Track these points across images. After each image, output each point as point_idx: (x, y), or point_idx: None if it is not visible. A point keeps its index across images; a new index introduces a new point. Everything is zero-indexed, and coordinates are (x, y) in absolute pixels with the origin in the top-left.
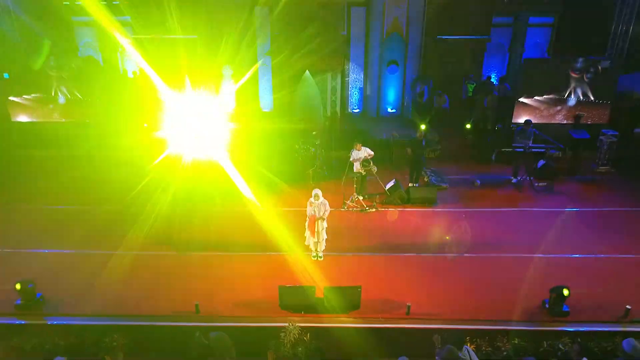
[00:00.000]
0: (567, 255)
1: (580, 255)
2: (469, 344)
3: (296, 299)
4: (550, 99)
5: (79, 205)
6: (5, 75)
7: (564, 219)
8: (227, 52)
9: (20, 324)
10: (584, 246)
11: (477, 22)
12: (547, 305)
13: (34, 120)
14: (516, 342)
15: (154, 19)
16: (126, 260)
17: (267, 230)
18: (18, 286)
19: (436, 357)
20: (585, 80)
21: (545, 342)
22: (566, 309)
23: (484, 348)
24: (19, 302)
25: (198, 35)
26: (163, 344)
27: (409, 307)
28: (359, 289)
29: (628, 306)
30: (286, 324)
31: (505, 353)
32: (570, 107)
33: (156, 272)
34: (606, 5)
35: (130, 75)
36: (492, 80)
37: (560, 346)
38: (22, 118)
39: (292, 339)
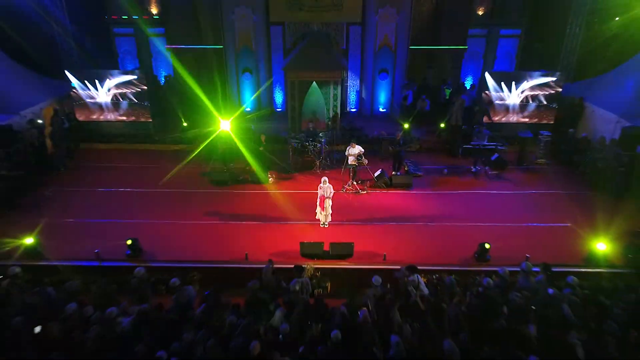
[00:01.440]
0: (502, 224)
1: (511, 224)
2: (422, 276)
3: (311, 250)
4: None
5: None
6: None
7: (506, 198)
8: (249, 62)
9: (129, 266)
10: (515, 217)
11: (455, 34)
12: (475, 255)
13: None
14: (453, 276)
15: (185, 31)
16: (196, 226)
17: (289, 206)
18: (129, 242)
19: (395, 275)
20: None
21: (469, 278)
22: (488, 258)
23: (434, 279)
24: (128, 252)
25: (224, 46)
26: (225, 279)
27: (384, 255)
28: (352, 245)
29: (527, 255)
30: (305, 265)
31: (446, 281)
32: (517, 110)
33: (218, 234)
34: (561, 23)
35: (161, 80)
36: (467, 85)
37: (477, 278)
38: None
39: (309, 274)
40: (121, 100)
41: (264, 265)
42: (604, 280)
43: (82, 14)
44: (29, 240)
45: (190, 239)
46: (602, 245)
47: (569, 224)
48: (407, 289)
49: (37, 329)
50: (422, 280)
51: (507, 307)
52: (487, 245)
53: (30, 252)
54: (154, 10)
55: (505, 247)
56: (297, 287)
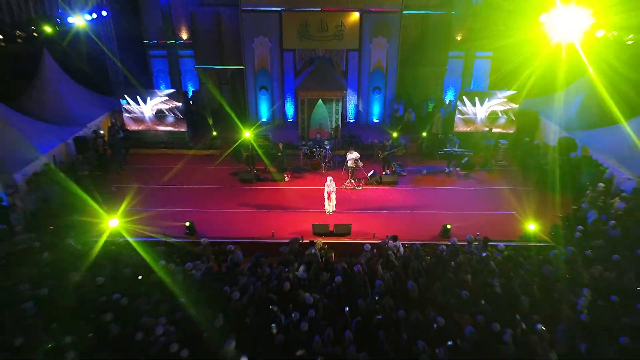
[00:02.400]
0: (465, 212)
1: (471, 212)
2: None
3: (320, 230)
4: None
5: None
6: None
7: (471, 193)
8: (265, 81)
9: (188, 241)
10: (475, 207)
11: (437, 56)
12: (440, 233)
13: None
14: (421, 248)
15: (211, 53)
16: (232, 213)
17: (302, 198)
18: (187, 223)
19: (379, 243)
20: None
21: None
22: (449, 235)
23: (407, 247)
24: (187, 231)
25: (244, 67)
26: (257, 250)
27: (374, 234)
28: (350, 226)
29: (478, 233)
30: (316, 241)
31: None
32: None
33: (249, 218)
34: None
35: (189, 94)
36: (447, 100)
37: (439, 248)
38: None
39: (319, 247)
40: (162, 113)
41: (287, 240)
42: (531, 249)
43: (126, 40)
44: (113, 223)
45: (229, 222)
46: (532, 226)
47: (513, 212)
48: (387, 252)
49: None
50: (401, 245)
51: (454, 263)
52: (448, 226)
53: (115, 233)
54: (184, 36)
55: (463, 227)
56: (312, 251)
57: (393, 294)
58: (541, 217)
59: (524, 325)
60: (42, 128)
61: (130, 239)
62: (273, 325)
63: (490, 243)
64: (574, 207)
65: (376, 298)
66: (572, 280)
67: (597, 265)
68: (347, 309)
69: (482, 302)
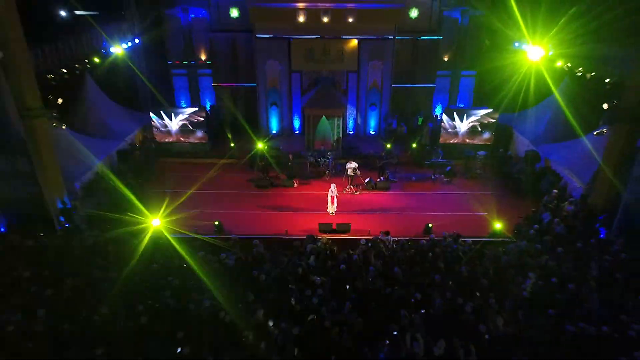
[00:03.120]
0: (445, 213)
1: (450, 213)
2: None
3: (325, 228)
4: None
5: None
6: (152, 117)
7: (452, 197)
8: (275, 97)
9: (216, 237)
10: (454, 209)
11: (427, 75)
12: (423, 231)
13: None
14: (406, 242)
15: (227, 72)
16: (251, 214)
17: (309, 202)
18: (216, 222)
19: (374, 237)
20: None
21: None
22: (430, 232)
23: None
24: (215, 229)
25: (257, 85)
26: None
27: (369, 231)
28: (350, 225)
29: (455, 230)
30: (321, 237)
31: (400, 241)
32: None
33: (266, 218)
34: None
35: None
36: (435, 114)
37: (421, 242)
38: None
39: (324, 242)
40: (186, 127)
41: (301, 237)
42: (496, 244)
43: (152, 61)
44: (156, 223)
45: (249, 222)
46: (498, 225)
47: (484, 213)
48: (379, 245)
49: None
50: (392, 239)
51: (431, 254)
52: (430, 225)
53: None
54: (203, 57)
55: (442, 226)
56: (319, 245)
57: (383, 277)
58: (507, 217)
59: (482, 301)
60: (90, 143)
61: (168, 235)
62: (292, 298)
63: (461, 239)
64: (533, 209)
65: (370, 279)
66: (522, 267)
67: (544, 256)
68: (348, 287)
69: (450, 282)
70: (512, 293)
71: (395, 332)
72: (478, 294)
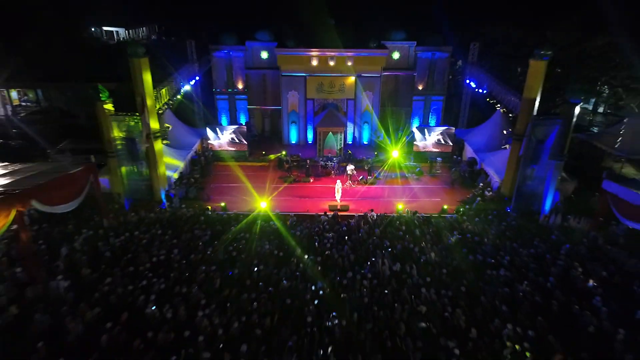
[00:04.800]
0: (413, 200)
1: (416, 199)
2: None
3: (333, 208)
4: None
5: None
6: (206, 131)
7: (420, 189)
8: (294, 117)
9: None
10: (420, 196)
11: (405, 100)
12: (396, 210)
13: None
14: (385, 216)
15: (259, 98)
16: (284, 199)
17: (321, 191)
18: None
19: (364, 212)
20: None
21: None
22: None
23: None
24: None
25: (282, 108)
26: (301, 219)
27: (367, 212)
28: (349, 205)
29: (416, 210)
30: (331, 213)
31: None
32: (431, 146)
33: (294, 202)
34: (461, 94)
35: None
36: (411, 129)
37: (393, 216)
38: (216, 149)
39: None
40: (233, 139)
41: (319, 213)
42: (443, 218)
43: (204, 90)
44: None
45: (282, 204)
46: (445, 206)
47: (439, 199)
48: (367, 217)
49: None
50: (375, 214)
51: (398, 222)
52: (400, 206)
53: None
54: (240, 86)
55: (410, 207)
56: (329, 216)
57: (369, 235)
58: (453, 202)
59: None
60: (175, 152)
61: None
62: (315, 243)
63: (418, 214)
64: (468, 196)
65: (360, 235)
66: (451, 229)
67: (468, 225)
68: (346, 238)
69: (407, 236)
70: (443, 242)
71: (373, 259)
72: (423, 243)
